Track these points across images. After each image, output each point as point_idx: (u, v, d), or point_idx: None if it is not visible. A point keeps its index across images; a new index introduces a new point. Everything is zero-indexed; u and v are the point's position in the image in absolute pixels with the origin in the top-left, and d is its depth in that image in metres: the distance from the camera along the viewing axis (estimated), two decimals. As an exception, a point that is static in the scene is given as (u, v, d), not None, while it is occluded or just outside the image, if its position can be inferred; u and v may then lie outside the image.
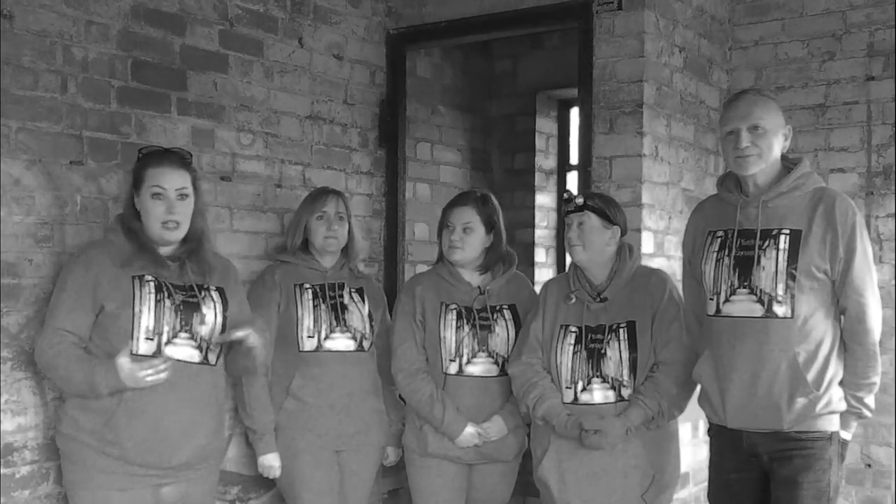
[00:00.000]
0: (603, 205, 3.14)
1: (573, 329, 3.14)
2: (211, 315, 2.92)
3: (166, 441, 2.82)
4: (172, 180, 2.84)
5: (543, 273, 5.45)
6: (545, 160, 5.52)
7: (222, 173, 3.56)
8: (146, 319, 2.80)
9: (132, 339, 2.78)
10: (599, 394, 3.08)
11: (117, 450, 2.77)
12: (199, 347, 2.90)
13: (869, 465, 4.03)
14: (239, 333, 2.93)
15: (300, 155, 3.86)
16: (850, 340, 2.82)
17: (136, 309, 2.80)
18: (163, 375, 2.73)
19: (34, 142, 2.98)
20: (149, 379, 2.71)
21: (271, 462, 3.35)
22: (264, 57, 3.71)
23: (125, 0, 3.22)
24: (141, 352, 2.79)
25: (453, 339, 3.34)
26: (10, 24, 2.91)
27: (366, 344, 3.47)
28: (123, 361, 2.70)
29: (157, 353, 2.81)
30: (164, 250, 2.90)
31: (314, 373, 3.37)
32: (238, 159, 3.63)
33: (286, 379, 3.36)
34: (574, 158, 5.29)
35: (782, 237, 2.80)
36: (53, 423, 2.95)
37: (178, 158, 2.89)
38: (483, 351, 3.34)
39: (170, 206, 2.83)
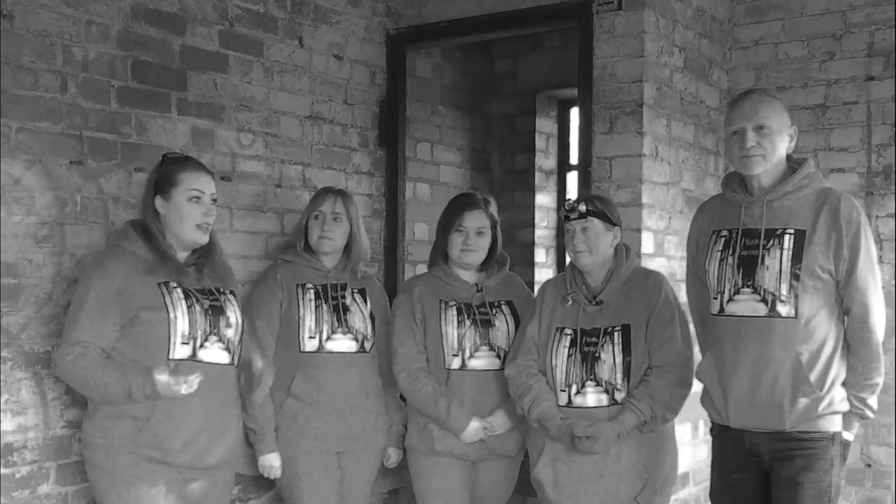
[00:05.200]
0: (603, 207, 3.14)
1: (568, 332, 3.14)
2: (234, 317, 3.01)
3: (202, 442, 2.89)
4: (208, 185, 2.96)
5: (543, 273, 5.44)
6: (545, 160, 5.52)
7: (222, 173, 3.55)
8: (182, 325, 2.86)
9: (169, 344, 2.83)
10: (593, 397, 3.08)
11: (156, 453, 2.82)
12: (228, 349, 2.97)
13: (869, 465, 4.03)
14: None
15: (300, 155, 3.86)
16: (853, 341, 2.82)
17: (172, 315, 2.85)
18: (195, 387, 2.78)
19: (34, 142, 2.98)
20: (183, 392, 2.76)
21: (272, 462, 3.35)
22: (264, 57, 3.71)
23: (125, 0, 3.22)
24: (177, 356, 2.85)
25: (455, 334, 3.35)
26: (10, 24, 2.91)
27: (367, 345, 3.47)
28: (161, 377, 2.75)
29: (193, 356, 2.88)
30: (180, 256, 2.96)
31: (315, 373, 3.37)
32: (238, 159, 3.63)
33: (287, 379, 3.36)
34: (574, 158, 5.29)
35: (787, 237, 2.80)
36: (80, 436, 2.96)
37: (204, 166, 3.01)
38: (485, 345, 3.36)
39: (207, 210, 2.93)
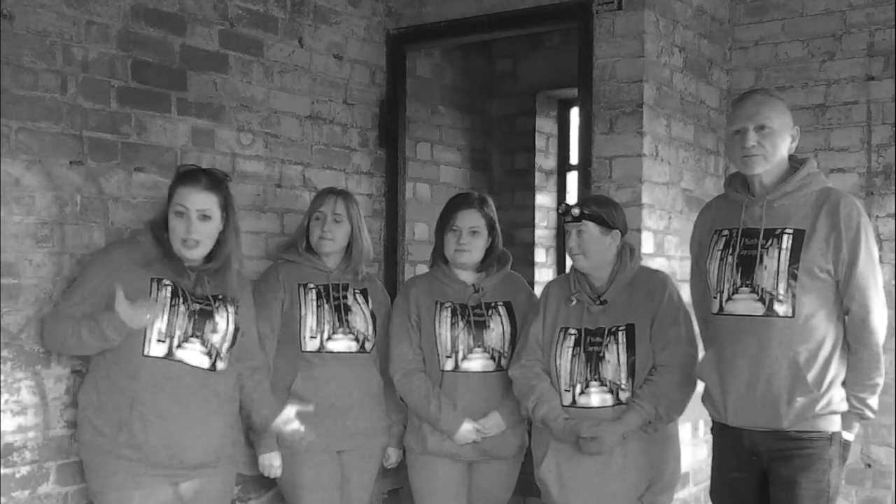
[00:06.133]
0: (599, 210, 3.12)
1: (573, 331, 3.14)
2: (223, 324, 3.00)
3: (179, 442, 2.90)
4: (195, 201, 2.92)
5: (543, 273, 5.45)
6: (545, 160, 5.52)
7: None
8: (159, 322, 2.88)
9: (144, 340, 2.86)
10: (597, 397, 3.08)
11: (135, 452, 2.85)
12: (209, 354, 2.97)
13: (869, 465, 4.03)
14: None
15: (300, 155, 3.86)
16: (853, 341, 2.82)
17: None
18: (158, 307, 2.83)
19: (34, 142, 2.98)
20: (148, 316, 2.80)
21: (272, 461, 3.35)
22: (264, 57, 3.71)
23: (125, 0, 3.22)
24: (152, 353, 2.88)
25: (448, 335, 3.35)
26: (10, 24, 2.91)
27: (368, 345, 3.47)
28: (121, 307, 2.76)
29: (169, 355, 2.89)
30: (188, 262, 2.98)
31: (316, 373, 3.37)
32: (238, 159, 3.63)
33: (288, 378, 3.36)
34: (574, 158, 5.29)
35: (785, 237, 2.81)
36: (74, 434, 3.01)
37: (207, 180, 2.96)
38: (479, 347, 3.36)
39: (189, 226, 2.91)
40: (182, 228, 2.91)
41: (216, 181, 2.98)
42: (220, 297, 3.02)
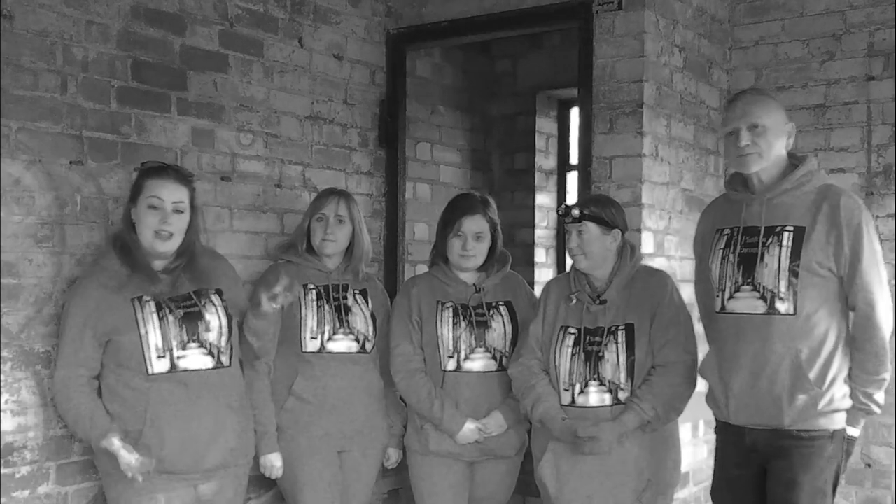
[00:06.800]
0: (600, 211, 3.12)
1: (572, 331, 3.14)
2: (215, 320, 2.99)
3: (196, 447, 2.91)
4: (170, 193, 2.91)
5: (543, 273, 5.44)
6: (545, 160, 5.52)
7: (222, 173, 3.56)
8: (154, 339, 2.88)
9: (145, 360, 2.86)
10: (596, 396, 3.08)
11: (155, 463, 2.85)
12: (211, 353, 2.97)
13: (869, 465, 4.03)
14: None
15: (300, 155, 3.86)
16: (859, 337, 2.82)
17: (142, 331, 2.87)
18: (140, 469, 2.81)
19: (34, 142, 2.98)
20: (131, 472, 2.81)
21: (273, 462, 3.35)
22: (264, 57, 3.71)
23: (125, 0, 3.22)
24: (156, 371, 2.88)
25: (450, 335, 3.36)
26: (10, 24, 2.91)
27: (368, 346, 3.47)
28: (115, 441, 2.81)
29: (172, 368, 2.89)
30: (157, 264, 2.96)
31: (316, 373, 3.37)
32: (238, 159, 3.63)
33: (288, 379, 3.37)
34: (574, 158, 5.29)
35: (786, 234, 2.81)
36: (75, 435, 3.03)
37: (177, 173, 2.97)
38: (481, 347, 3.36)
39: (164, 217, 2.89)
40: (156, 220, 2.88)
41: (185, 176, 2.99)
42: (203, 291, 3.01)
